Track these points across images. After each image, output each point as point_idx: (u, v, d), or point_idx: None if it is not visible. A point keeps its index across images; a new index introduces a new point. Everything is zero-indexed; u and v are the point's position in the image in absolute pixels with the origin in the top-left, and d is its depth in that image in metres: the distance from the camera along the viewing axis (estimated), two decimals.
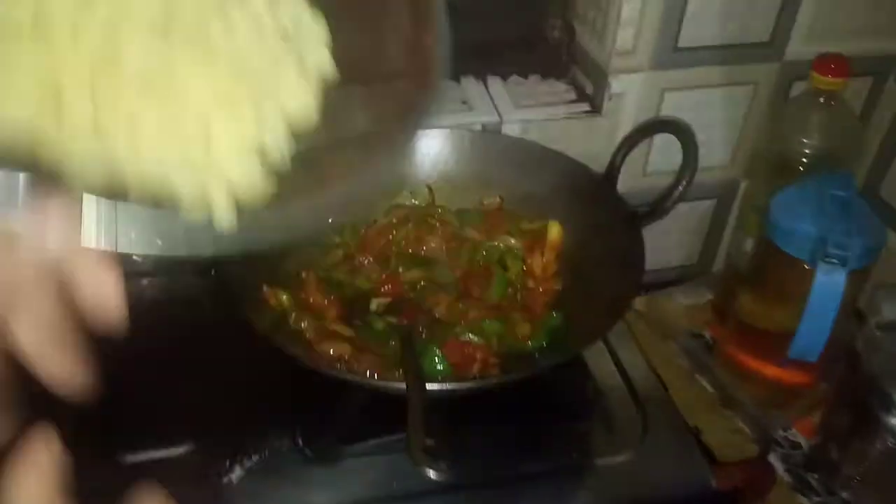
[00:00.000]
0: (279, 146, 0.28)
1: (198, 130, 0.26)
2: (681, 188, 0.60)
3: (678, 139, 0.61)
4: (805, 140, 0.76)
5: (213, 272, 0.56)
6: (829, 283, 0.65)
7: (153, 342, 0.65)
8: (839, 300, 0.65)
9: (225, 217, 0.26)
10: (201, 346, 0.64)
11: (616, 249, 0.62)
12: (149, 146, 0.25)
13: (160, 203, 0.26)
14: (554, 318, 0.61)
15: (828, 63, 0.73)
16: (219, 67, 0.26)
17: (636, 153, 0.76)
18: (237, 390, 0.61)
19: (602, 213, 0.66)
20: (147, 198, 0.25)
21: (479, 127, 0.79)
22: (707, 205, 0.92)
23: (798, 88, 0.84)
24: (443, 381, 0.55)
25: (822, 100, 0.75)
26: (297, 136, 0.29)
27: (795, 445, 0.77)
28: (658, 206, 0.62)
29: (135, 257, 0.71)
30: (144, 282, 0.73)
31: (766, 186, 0.81)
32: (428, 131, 0.73)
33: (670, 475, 0.58)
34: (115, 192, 0.25)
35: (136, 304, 0.66)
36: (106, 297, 0.27)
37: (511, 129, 0.80)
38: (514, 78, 0.87)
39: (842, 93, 0.75)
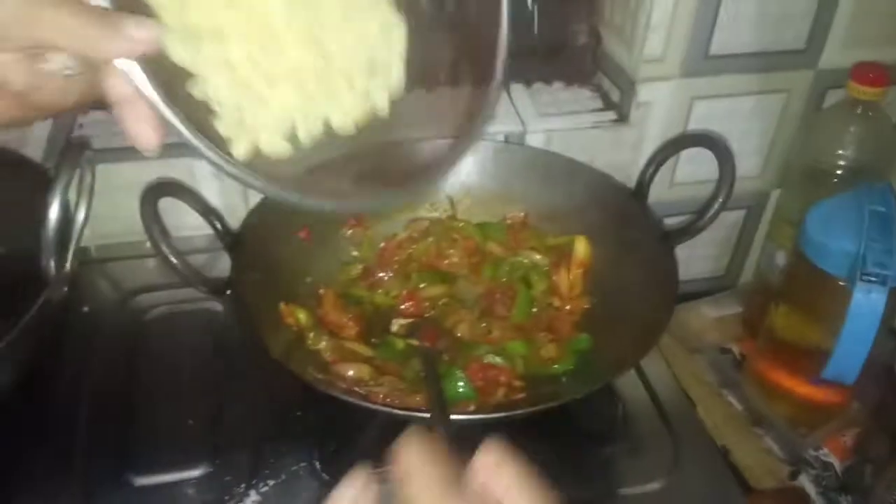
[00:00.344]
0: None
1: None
2: (717, 206, 0.57)
3: (714, 154, 0.59)
4: (840, 151, 0.74)
5: (228, 291, 0.54)
6: (867, 303, 0.63)
7: (167, 360, 0.64)
8: (878, 321, 0.62)
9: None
10: (217, 365, 0.63)
11: (648, 269, 0.60)
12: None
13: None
14: (582, 341, 0.59)
15: (866, 72, 0.71)
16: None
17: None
18: (253, 411, 0.59)
19: (632, 231, 0.64)
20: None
21: (501, 136, 0.77)
22: (737, 215, 0.90)
23: (832, 97, 0.81)
24: (467, 408, 0.53)
25: (858, 110, 0.73)
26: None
27: (827, 466, 0.75)
28: (692, 225, 0.59)
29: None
30: (160, 294, 0.72)
31: (798, 198, 0.78)
32: (444, 142, 0.71)
33: None
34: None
35: (151, 318, 0.66)
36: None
37: (535, 139, 0.78)
38: (537, 85, 0.85)
39: (880, 102, 0.72)
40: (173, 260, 0.52)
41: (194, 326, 0.67)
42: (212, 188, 0.74)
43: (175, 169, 0.72)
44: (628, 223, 0.64)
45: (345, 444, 0.57)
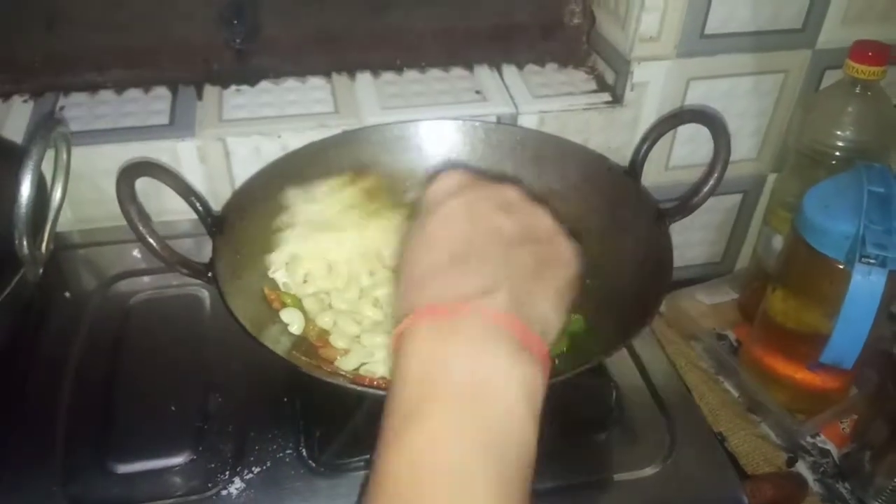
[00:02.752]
0: None
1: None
2: (712, 182, 0.56)
3: (709, 130, 0.57)
4: (839, 132, 0.73)
5: (209, 273, 0.52)
6: (866, 285, 0.62)
7: (151, 346, 0.63)
8: (878, 304, 0.61)
9: None
10: (201, 351, 0.61)
11: (642, 248, 0.58)
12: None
13: None
14: (574, 322, 0.57)
15: (865, 50, 0.69)
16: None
17: (658, 146, 0.72)
18: (238, 397, 0.58)
19: (626, 210, 0.62)
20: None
21: (493, 118, 0.75)
22: (732, 199, 0.88)
23: (831, 77, 0.79)
24: None
25: (857, 89, 0.71)
26: None
27: (824, 453, 0.74)
28: (686, 203, 0.58)
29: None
30: (145, 279, 0.70)
31: (796, 181, 0.77)
32: (437, 123, 0.69)
33: (700, 491, 0.54)
34: None
35: (134, 303, 0.64)
36: None
37: (527, 121, 0.76)
38: (530, 67, 0.83)
39: (879, 82, 0.70)
40: (151, 241, 0.50)
41: (179, 312, 0.65)
42: (197, 172, 0.73)
43: (159, 151, 0.71)
44: (622, 202, 0.62)
45: (332, 430, 0.55)
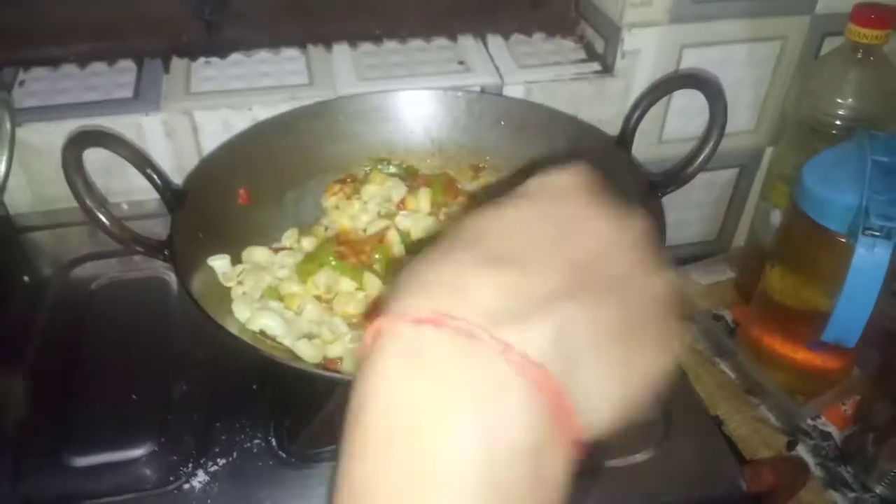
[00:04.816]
0: None
1: None
2: (707, 150, 0.52)
3: (704, 94, 0.54)
4: (840, 101, 0.69)
5: (166, 251, 0.49)
6: (870, 258, 0.58)
7: (112, 332, 0.59)
8: (882, 278, 0.58)
9: None
10: (166, 337, 0.57)
11: None
12: None
13: None
14: None
15: (867, 13, 0.66)
16: None
17: (650, 118, 0.69)
18: (204, 386, 0.54)
19: (616, 182, 0.58)
20: None
21: (477, 89, 0.71)
22: (728, 174, 0.85)
23: (830, 45, 0.76)
24: None
25: (859, 55, 0.68)
26: None
27: (825, 436, 0.71)
28: (681, 172, 0.54)
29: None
30: (109, 262, 0.66)
31: (794, 153, 0.74)
32: (416, 93, 0.66)
33: (696, 477, 0.51)
34: None
35: (96, 288, 0.60)
36: None
37: (513, 92, 0.72)
38: (516, 36, 0.80)
39: (882, 47, 0.67)
40: (98, 215, 0.46)
41: (144, 296, 0.62)
42: (163, 147, 0.69)
43: (123, 126, 0.67)
44: (612, 174, 0.58)
45: (302, 419, 0.52)
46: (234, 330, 0.47)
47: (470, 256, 0.26)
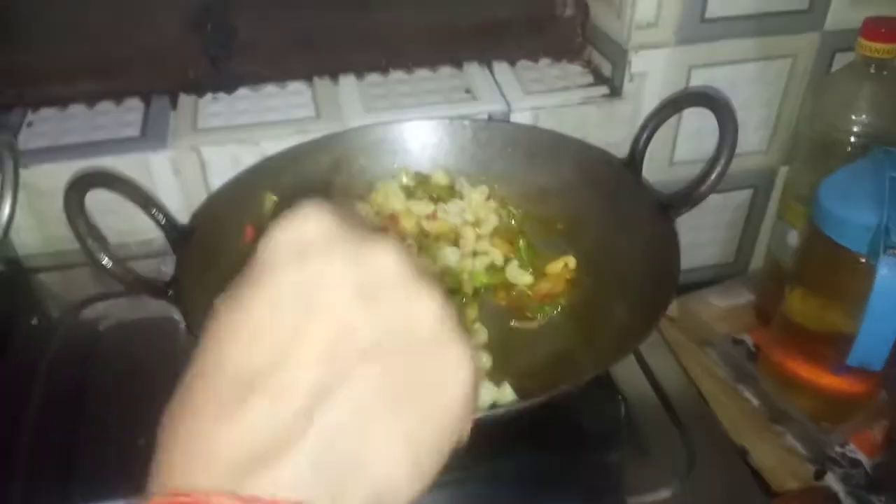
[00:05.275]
0: None
1: None
2: (719, 169, 0.51)
3: (713, 112, 0.53)
4: (854, 117, 0.68)
5: (170, 291, 0.48)
6: (893, 278, 0.57)
7: (121, 374, 0.58)
8: None
9: None
10: (176, 377, 0.56)
11: (645, 246, 0.53)
12: None
13: None
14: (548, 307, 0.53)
15: (878, 27, 0.65)
16: None
17: (661, 140, 0.68)
18: None
19: (627, 205, 0.57)
20: None
21: (485, 117, 0.71)
22: (743, 195, 0.84)
23: (841, 61, 0.75)
24: None
25: (871, 69, 0.67)
26: None
27: (855, 463, 0.68)
28: (692, 193, 0.53)
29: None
30: (119, 303, 0.65)
31: (809, 172, 0.73)
32: (422, 123, 0.65)
33: None
34: None
35: (105, 329, 0.59)
36: None
37: (521, 118, 0.72)
38: (522, 62, 0.79)
39: (894, 61, 0.66)
40: (100, 257, 0.46)
41: (153, 337, 0.61)
42: (171, 185, 0.68)
43: (131, 165, 0.67)
44: (622, 197, 0.58)
45: None
46: None
47: (215, 397, 0.24)
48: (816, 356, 0.69)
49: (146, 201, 0.51)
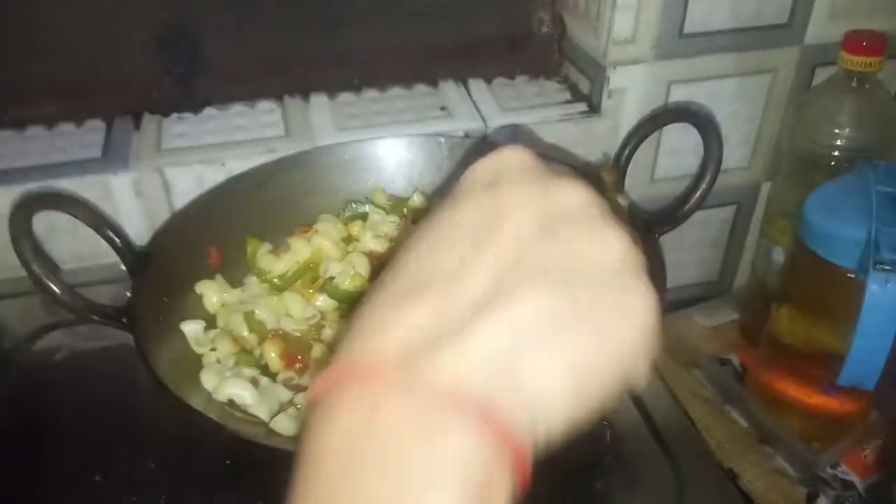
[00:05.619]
0: None
1: None
2: (704, 186, 0.49)
3: (696, 127, 0.51)
4: (836, 131, 0.67)
5: (124, 318, 0.45)
6: (884, 294, 0.55)
7: (74, 405, 0.55)
8: None
9: None
10: (132, 411, 0.53)
11: None
12: None
13: None
14: None
15: (859, 40, 0.64)
16: None
17: (641, 157, 0.66)
18: (172, 462, 0.50)
19: None
20: None
21: (460, 135, 0.69)
22: (725, 212, 0.82)
23: (822, 75, 0.74)
24: None
25: (854, 83, 0.66)
26: None
27: (847, 485, 0.66)
28: (677, 211, 0.51)
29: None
30: (78, 330, 0.62)
31: (793, 188, 0.71)
32: (396, 141, 0.63)
33: None
34: None
35: (59, 359, 0.56)
36: None
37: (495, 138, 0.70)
38: (498, 80, 0.78)
39: (876, 74, 0.65)
40: (48, 283, 0.43)
41: (109, 366, 0.57)
42: (133, 207, 0.65)
43: (90, 187, 0.64)
44: None
45: (283, 499, 0.47)
46: (201, 400, 0.43)
47: (395, 291, 0.26)
48: (805, 376, 0.67)
49: (99, 223, 0.48)
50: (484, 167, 0.28)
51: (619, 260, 0.26)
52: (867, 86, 0.66)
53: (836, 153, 0.67)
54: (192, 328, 0.51)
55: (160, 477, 0.49)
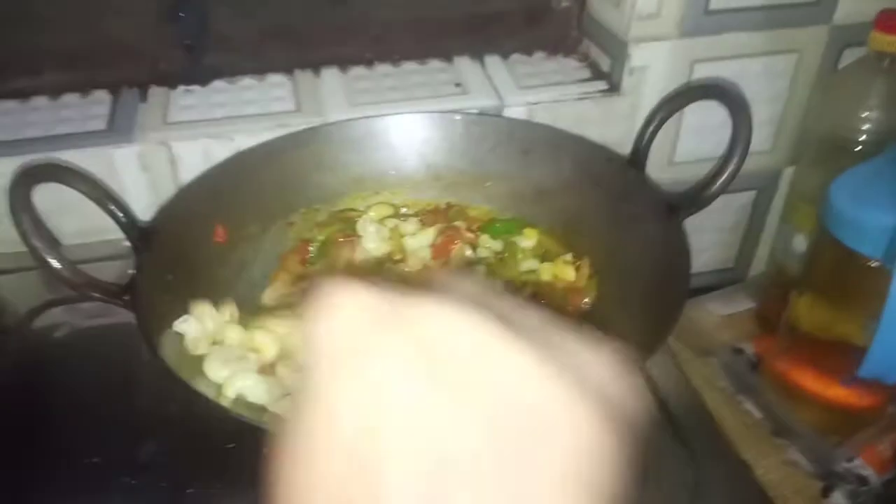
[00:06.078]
0: None
1: None
2: (732, 167, 0.48)
3: (726, 106, 0.49)
4: (865, 114, 0.64)
5: (126, 295, 0.43)
6: None
7: (74, 385, 0.53)
8: None
9: None
10: (134, 390, 0.52)
11: (652, 250, 0.49)
12: None
13: None
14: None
15: (893, 19, 0.61)
16: None
17: (660, 138, 0.64)
18: (176, 445, 0.48)
19: (631, 206, 0.53)
20: None
21: (475, 111, 0.67)
22: (745, 197, 0.80)
23: (849, 57, 0.71)
24: None
25: (885, 64, 0.63)
26: None
27: (863, 480, 0.65)
28: (702, 193, 0.49)
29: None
30: (79, 308, 0.61)
31: (817, 172, 0.69)
32: (410, 117, 0.61)
33: None
34: None
35: (60, 337, 0.55)
36: None
37: (515, 114, 0.68)
38: (515, 56, 0.75)
39: None
40: (47, 257, 0.41)
41: (110, 345, 0.56)
42: (139, 182, 0.64)
43: (94, 160, 0.62)
44: (626, 197, 0.54)
45: None
46: (205, 380, 0.42)
47: None
48: (824, 367, 0.66)
49: (101, 196, 0.46)
50: (329, 332, 0.23)
51: (538, 386, 0.21)
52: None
53: (864, 137, 0.65)
54: (186, 327, 0.48)
55: (162, 460, 0.48)
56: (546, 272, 0.56)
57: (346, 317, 0.22)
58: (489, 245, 0.58)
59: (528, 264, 0.57)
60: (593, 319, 0.44)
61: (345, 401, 0.21)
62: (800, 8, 0.68)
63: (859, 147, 0.65)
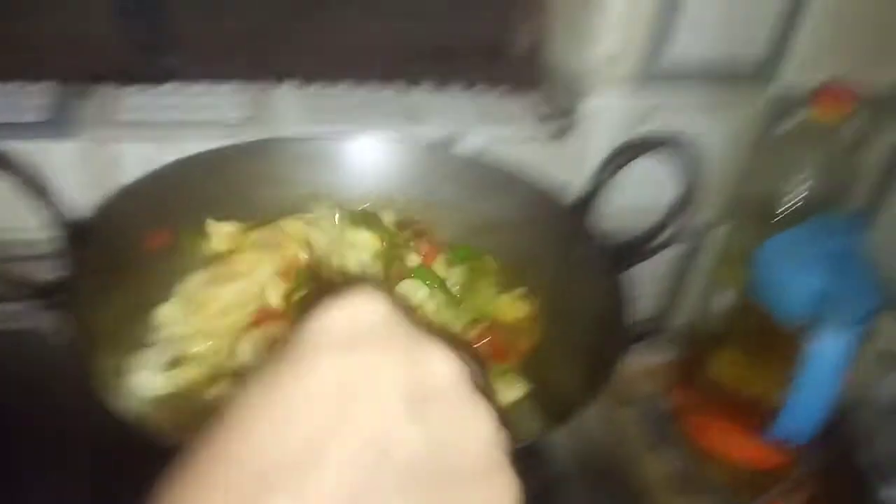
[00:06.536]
0: None
1: None
2: (679, 221, 0.49)
3: (678, 160, 0.50)
4: (797, 181, 0.67)
5: (54, 296, 0.41)
6: (828, 350, 0.55)
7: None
8: (841, 371, 0.55)
9: None
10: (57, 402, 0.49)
11: (595, 297, 0.50)
12: None
13: None
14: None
15: (829, 93, 0.64)
16: None
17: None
18: (113, 455, 0.45)
19: (575, 252, 0.54)
20: None
21: (431, 142, 0.67)
22: (673, 250, 0.82)
23: (787, 122, 0.74)
24: None
25: (818, 135, 0.66)
26: None
27: None
28: (645, 244, 0.51)
29: None
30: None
31: (747, 233, 0.72)
32: (366, 141, 0.61)
33: None
34: None
35: None
36: None
37: (468, 146, 0.68)
38: (474, 89, 0.76)
39: (841, 128, 0.65)
40: None
41: (33, 351, 0.52)
42: (76, 180, 0.61)
43: (30, 153, 0.59)
44: (570, 242, 0.55)
45: None
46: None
47: (220, 487, 0.21)
48: (738, 423, 0.68)
49: (38, 188, 0.44)
50: (336, 320, 0.23)
51: (487, 449, 0.24)
52: (831, 139, 0.66)
53: (795, 202, 0.67)
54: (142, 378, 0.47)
55: (85, 469, 0.45)
56: (501, 306, 0.56)
57: (347, 317, 0.23)
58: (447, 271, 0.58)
59: (489, 293, 0.57)
60: (535, 362, 0.45)
61: (327, 372, 0.22)
62: (748, 69, 0.70)
63: (789, 211, 0.67)
